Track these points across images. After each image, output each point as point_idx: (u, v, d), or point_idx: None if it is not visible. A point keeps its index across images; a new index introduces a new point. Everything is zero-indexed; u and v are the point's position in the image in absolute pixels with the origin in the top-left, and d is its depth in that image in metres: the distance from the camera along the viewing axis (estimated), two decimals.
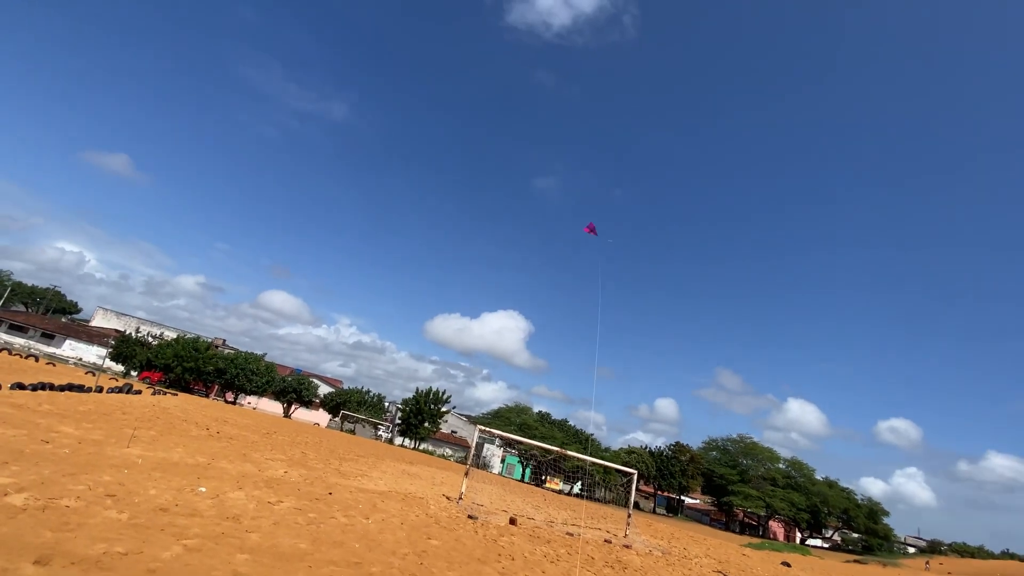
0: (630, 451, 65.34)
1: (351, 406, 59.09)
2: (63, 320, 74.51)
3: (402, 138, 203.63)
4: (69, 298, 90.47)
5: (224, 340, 79.82)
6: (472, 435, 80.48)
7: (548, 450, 20.83)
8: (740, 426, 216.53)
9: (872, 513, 65.21)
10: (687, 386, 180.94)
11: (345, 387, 69.99)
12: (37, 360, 35.38)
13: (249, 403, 60.79)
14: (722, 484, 65.85)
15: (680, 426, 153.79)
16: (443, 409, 59.76)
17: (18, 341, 56.56)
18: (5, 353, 34.21)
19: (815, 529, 67.04)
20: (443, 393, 59.31)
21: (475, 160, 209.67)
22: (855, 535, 68.73)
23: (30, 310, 79.64)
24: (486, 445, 70.11)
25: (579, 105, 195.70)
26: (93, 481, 7.16)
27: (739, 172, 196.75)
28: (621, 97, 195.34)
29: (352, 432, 58.18)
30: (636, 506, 59.19)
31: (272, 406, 61.28)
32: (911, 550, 76.10)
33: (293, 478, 11.72)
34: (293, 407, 59.24)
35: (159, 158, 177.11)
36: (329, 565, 6.35)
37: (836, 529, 69.73)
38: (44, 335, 61.43)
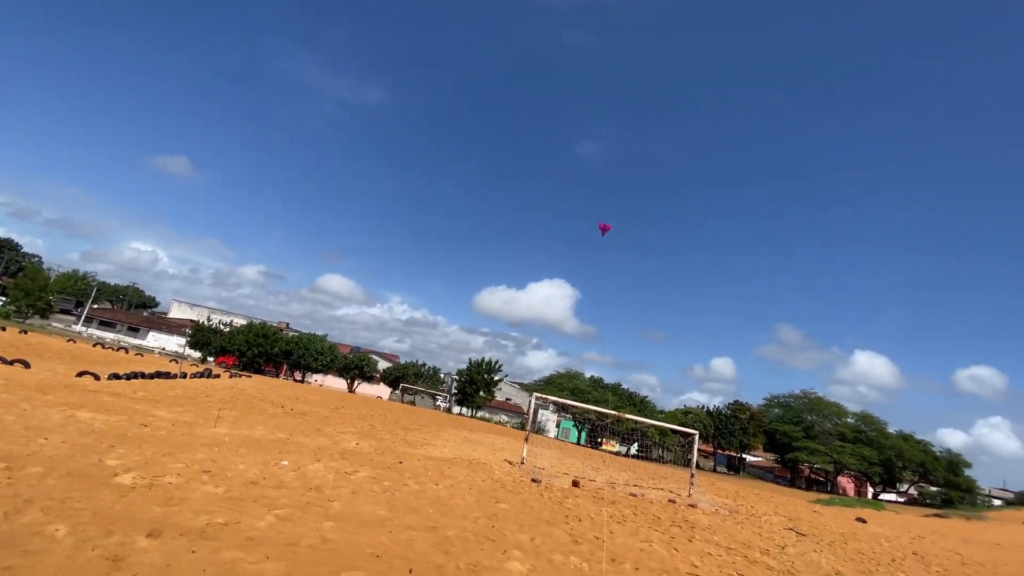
0: (687, 411, 64.61)
1: (409, 379, 61.49)
2: (145, 314, 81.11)
3: (439, 115, 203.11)
4: (148, 293, 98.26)
5: (288, 324, 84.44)
6: (526, 402, 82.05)
7: (604, 413, 20.91)
8: (803, 382, 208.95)
9: (952, 465, 61.84)
10: (745, 344, 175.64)
11: (402, 361, 72.79)
12: (127, 352, 38.83)
13: (316, 381, 64.49)
14: (786, 441, 64.18)
15: (738, 384, 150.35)
16: (496, 378, 61.12)
17: (108, 335, 62.25)
18: (99, 347, 37.75)
19: (889, 484, 64.49)
20: (495, 363, 60.56)
21: (515, 131, 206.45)
22: (933, 489, 65.63)
23: (115, 307, 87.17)
24: (541, 411, 71.46)
25: (616, 65, 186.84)
26: (189, 459, 7.80)
27: (792, 124, 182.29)
28: (659, 52, 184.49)
29: (412, 403, 60.71)
30: (696, 465, 59.01)
31: (337, 383, 64.72)
32: (997, 502, 71.91)
33: (365, 449, 12.35)
34: (356, 382, 62.35)
35: (215, 157, 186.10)
36: (407, 530, 6.67)
37: (912, 483, 66.81)
38: (130, 329, 67.22)
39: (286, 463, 8.91)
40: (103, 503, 5.38)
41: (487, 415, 63.48)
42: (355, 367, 60.62)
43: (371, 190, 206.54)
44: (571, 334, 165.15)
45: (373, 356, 67.60)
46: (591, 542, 7.94)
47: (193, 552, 4.66)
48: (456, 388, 62.37)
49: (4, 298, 57.07)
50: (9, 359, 16.65)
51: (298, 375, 59.30)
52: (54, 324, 59.84)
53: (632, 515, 10.85)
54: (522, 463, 14.79)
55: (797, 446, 62.42)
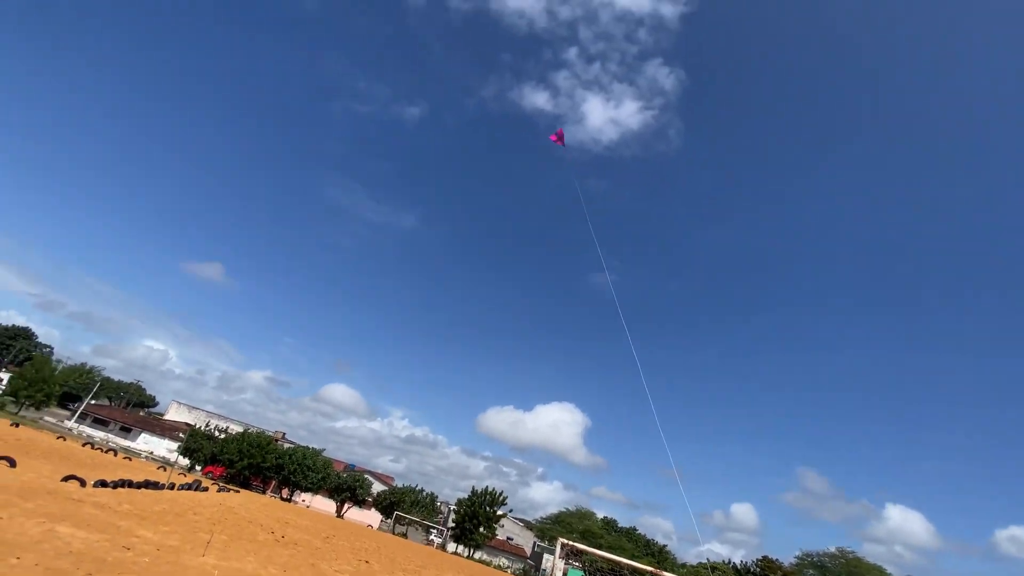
0: (712, 567, 57.35)
1: (404, 507, 56.49)
2: (141, 414, 78.56)
3: (462, 241, 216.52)
4: (149, 392, 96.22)
5: (284, 434, 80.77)
6: (529, 542, 73.97)
7: (638, 569, 18.22)
8: (833, 536, 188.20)
9: None
10: (766, 489, 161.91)
11: (397, 484, 67.64)
12: (116, 454, 36.69)
13: (303, 501, 59.54)
14: None
15: (761, 535, 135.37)
16: (499, 512, 55.80)
17: (99, 434, 59.58)
18: (88, 447, 35.78)
19: None
20: (500, 494, 55.79)
21: (532, 260, 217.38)
22: None
23: (113, 404, 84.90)
24: (545, 555, 63.90)
25: (631, 206, 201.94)
26: None
27: (807, 261, 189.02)
28: (671, 197, 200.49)
29: (404, 535, 54.97)
30: None
31: (325, 504, 59.67)
32: None
33: None
34: (346, 506, 57.34)
35: (248, 265, 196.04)
36: None
37: None
38: (122, 428, 64.54)
39: None
40: None
41: (486, 557, 56.84)
42: (348, 488, 56.15)
43: (389, 304, 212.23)
44: (579, 464, 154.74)
45: (368, 476, 63.00)
46: None
47: None
48: (454, 521, 56.83)
49: (3, 388, 56.04)
50: None
51: (286, 492, 54.94)
52: (46, 418, 57.83)
53: None
54: None
55: None
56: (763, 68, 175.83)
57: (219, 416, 78.11)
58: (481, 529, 53.37)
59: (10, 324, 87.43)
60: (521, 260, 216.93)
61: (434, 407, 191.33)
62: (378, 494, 60.20)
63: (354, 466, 77.80)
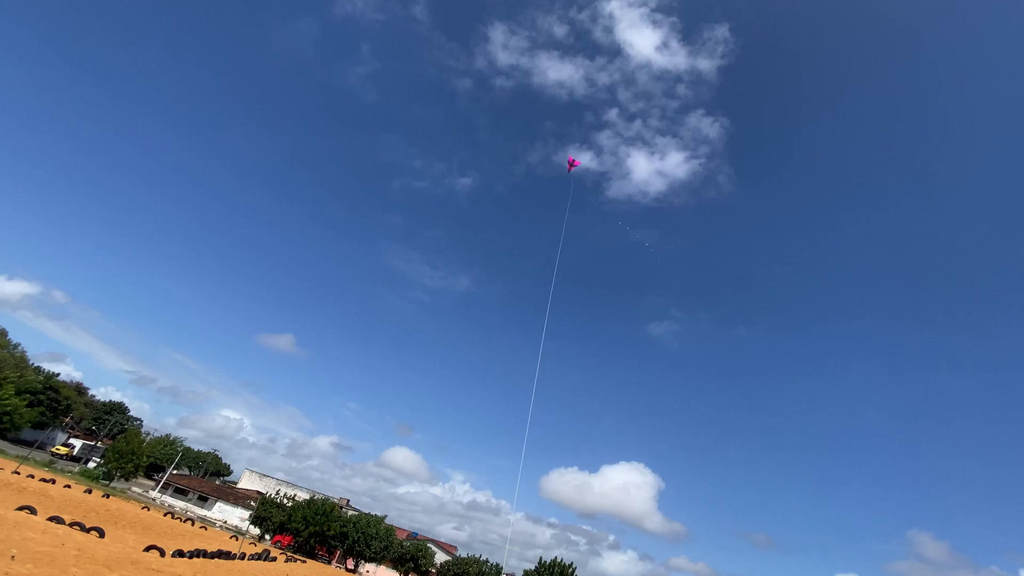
0: None
1: None
2: (216, 482, 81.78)
3: (519, 300, 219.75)
4: (224, 460, 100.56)
5: (348, 500, 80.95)
6: None
7: None
8: None
9: None
10: (873, 557, 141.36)
11: (460, 553, 65.14)
12: (193, 524, 38.13)
13: (367, 571, 58.43)
14: None
15: None
16: None
17: (179, 504, 62.37)
18: (169, 516, 37.48)
19: None
20: (570, 566, 52.26)
21: (588, 316, 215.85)
22: None
23: (192, 473, 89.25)
24: None
25: (685, 253, 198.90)
26: None
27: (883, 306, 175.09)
28: (728, 240, 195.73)
29: None
30: None
31: (389, 575, 58.17)
32: None
33: None
34: None
35: (316, 334, 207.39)
36: None
37: None
38: (200, 497, 67.27)
39: None
40: None
41: None
42: (411, 558, 54.68)
43: (447, 367, 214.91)
44: (655, 532, 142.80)
45: (430, 545, 61.23)
46: None
47: None
48: None
49: (101, 459, 60.58)
50: (88, 526, 16.64)
51: (351, 563, 54.22)
52: (134, 488, 61.45)
53: None
54: None
55: None
56: (806, 107, 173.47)
57: (288, 484, 79.87)
58: None
59: (107, 400, 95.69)
60: (576, 314, 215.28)
61: (494, 470, 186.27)
62: (441, 564, 58.13)
63: (416, 534, 76.09)
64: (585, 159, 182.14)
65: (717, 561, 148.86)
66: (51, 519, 15.58)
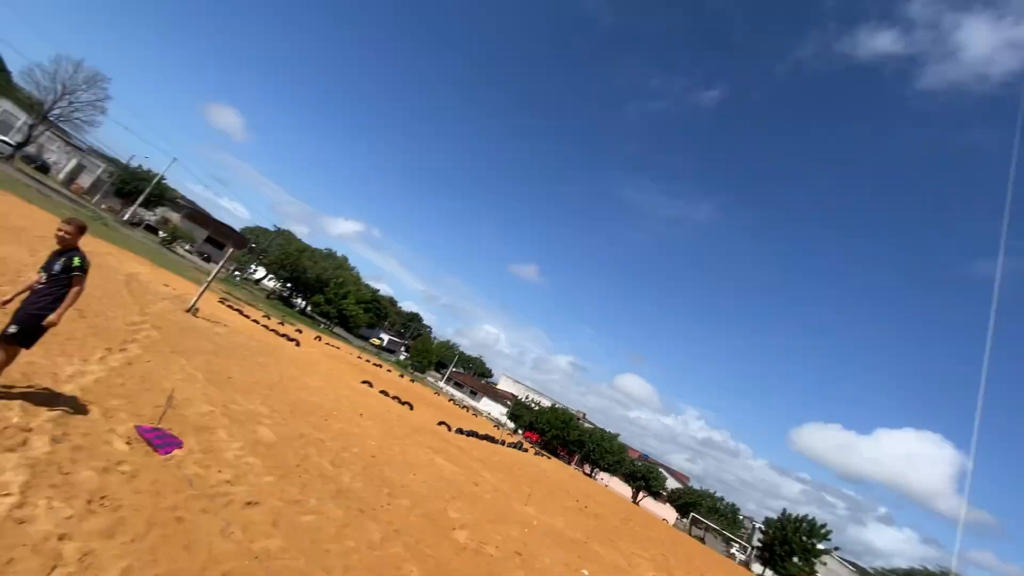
0: None
1: (701, 510, 54.06)
2: (482, 382, 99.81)
3: (769, 229, 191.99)
4: (487, 365, 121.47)
5: (584, 414, 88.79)
6: None
7: None
8: None
9: None
10: None
11: (692, 485, 65.17)
12: (467, 411, 47.88)
13: (602, 479, 64.11)
14: None
15: None
16: (820, 547, 47.04)
17: (457, 394, 78.88)
18: (451, 403, 47.91)
19: None
20: (822, 527, 46.99)
21: (889, 244, 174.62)
22: None
23: (465, 372, 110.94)
24: None
25: None
26: (506, 534, 8.15)
27: None
28: None
29: (702, 540, 52.63)
30: None
31: (620, 487, 62.68)
32: None
33: None
34: (640, 494, 58.85)
35: (557, 264, 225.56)
36: None
37: None
38: (471, 392, 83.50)
39: (586, 573, 8.34)
40: (443, 555, 5.89)
41: None
42: (642, 477, 57.52)
43: (684, 299, 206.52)
44: (948, 514, 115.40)
45: (661, 470, 62.99)
46: None
47: None
48: (760, 541, 51.00)
49: (407, 354, 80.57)
50: (403, 400, 22.54)
51: (587, 468, 60.30)
52: (429, 377, 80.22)
53: None
54: None
55: None
56: None
57: (535, 391, 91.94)
58: (795, 559, 46.20)
59: (409, 311, 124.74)
60: (848, 246, 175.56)
61: (734, 411, 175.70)
62: (672, 490, 59.52)
63: (648, 456, 79.04)
64: (886, 41, 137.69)
65: None
66: (381, 392, 21.54)
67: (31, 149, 42.50)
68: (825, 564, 52.31)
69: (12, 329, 3.99)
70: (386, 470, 8.41)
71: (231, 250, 17.77)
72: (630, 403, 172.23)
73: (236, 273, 57.28)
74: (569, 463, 57.66)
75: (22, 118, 41.97)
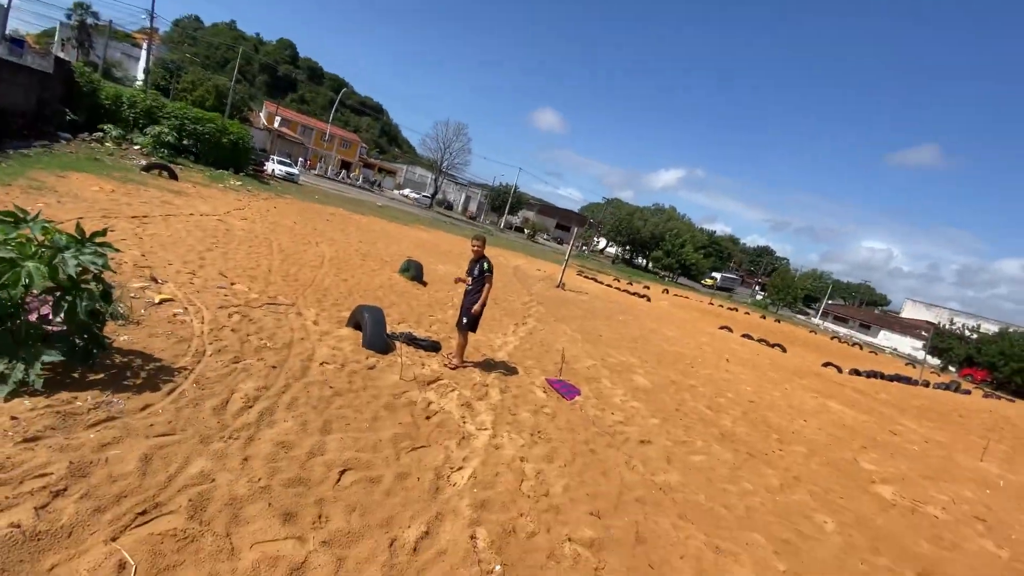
0: None
1: None
2: (876, 312, 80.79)
3: None
4: (879, 291, 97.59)
5: None
6: None
7: None
8: None
9: None
10: None
11: None
12: (860, 348, 39.73)
13: None
14: None
15: None
16: None
17: (841, 330, 66.27)
18: (835, 340, 40.73)
19: None
20: None
21: None
22: None
23: (847, 303, 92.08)
24: None
25: None
26: (954, 494, 6.37)
27: None
28: None
29: None
30: None
31: None
32: None
33: None
34: None
35: (968, 142, 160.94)
36: None
37: None
38: (861, 325, 68.73)
39: None
40: (864, 510, 5.10)
41: None
42: None
43: None
44: None
45: None
46: None
47: None
48: None
49: (764, 293, 73.32)
50: (771, 342, 20.63)
51: None
52: (798, 316, 70.61)
53: None
54: None
55: None
56: None
57: (967, 315, 67.83)
58: None
59: (754, 246, 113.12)
60: None
61: None
62: None
63: None
64: None
65: None
66: (743, 335, 20.37)
67: (439, 196, 60.06)
68: None
69: (464, 321, 5.76)
70: (769, 415, 7.92)
71: (576, 230, 20.50)
72: None
73: (584, 248, 65.30)
74: None
75: (428, 176, 60.27)
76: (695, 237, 60.79)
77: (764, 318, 40.56)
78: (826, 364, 17.89)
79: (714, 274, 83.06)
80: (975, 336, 46.86)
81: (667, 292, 37.68)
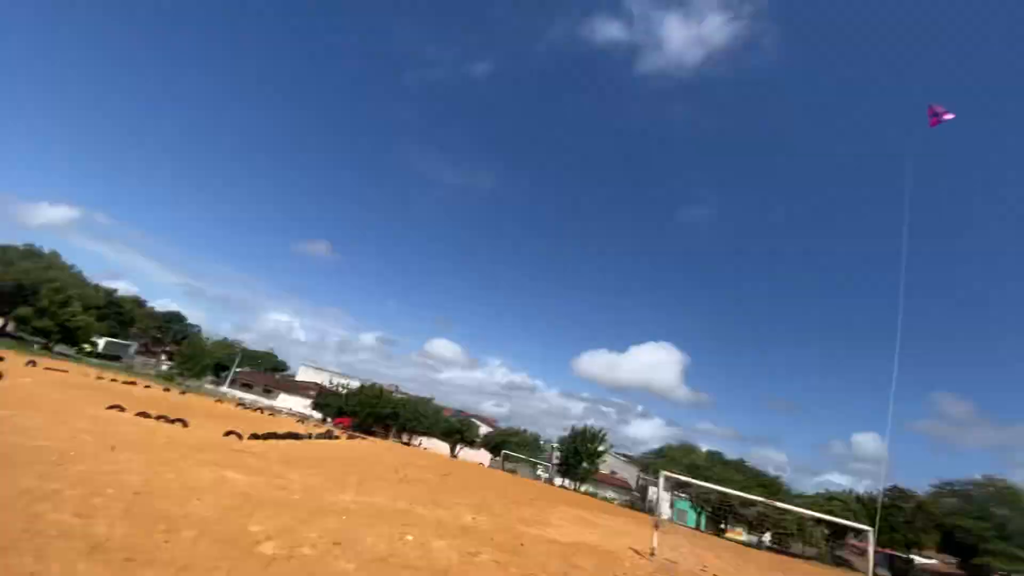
0: (830, 497, 55.00)
1: (511, 446, 60.12)
2: (277, 377, 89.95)
3: (543, 190, 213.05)
4: (280, 358, 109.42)
5: (397, 386, 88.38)
6: (632, 476, 76.06)
7: (747, 500, 18.09)
8: (976, 465, 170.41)
9: None
10: (894, 417, 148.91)
11: (501, 426, 71.86)
12: (262, 412, 42.72)
13: (420, 443, 65.63)
14: (970, 542, 51.27)
15: (889, 466, 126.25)
16: (600, 448, 57.48)
17: (248, 396, 69.50)
18: (240, 407, 42.01)
19: None
20: (600, 431, 57.28)
21: (615, 201, 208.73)
22: None
23: (254, 370, 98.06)
24: (650, 488, 65.36)
25: (720, 132, 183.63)
26: (322, 528, 7.69)
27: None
28: (770, 116, 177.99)
29: (514, 471, 58.93)
30: (849, 566, 49.10)
31: (440, 446, 65.30)
32: None
33: (483, 526, 11.62)
34: (458, 447, 62.33)
35: (350, 238, 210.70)
36: None
37: None
38: (265, 390, 74.63)
39: (410, 538, 8.49)
40: (248, 573, 5.25)
41: (592, 489, 59.35)
42: (457, 431, 60.89)
43: (478, 260, 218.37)
44: (681, 401, 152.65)
45: (474, 420, 67.62)
46: None
47: None
48: (557, 458, 59.64)
49: (171, 363, 67.00)
50: (172, 418, 18.79)
51: (404, 437, 60.81)
52: (206, 386, 68.47)
53: None
54: (652, 554, 12.99)
55: (988, 549, 49.48)
56: None
57: (341, 375, 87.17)
58: (584, 464, 55.54)
59: (165, 311, 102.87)
60: (607, 201, 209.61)
61: (529, 354, 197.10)
62: (485, 435, 64.56)
63: (460, 412, 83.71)
64: (614, 30, 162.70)
65: (741, 424, 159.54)
66: (139, 414, 17.57)
67: None
68: (605, 461, 64.15)
69: None
70: (159, 503, 6.99)
71: None
72: (440, 365, 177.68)
73: None
74: (387, 437, 57.18)
75: None
76: (85, 294, 48.40)
77: (168, 390, 36.74)
78: (228, 433, 18.01)
79: (98, 339, 68.58)
80: (345, 391, 60.49)
81: (33, 364, 27.68)
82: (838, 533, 51.92)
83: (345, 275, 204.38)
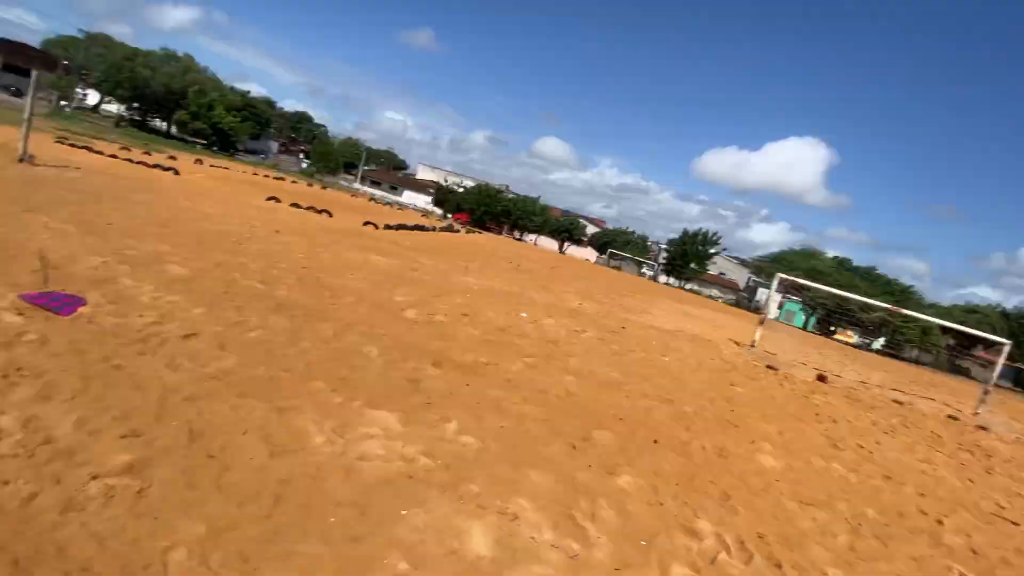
0: (970, 309, 50.73)
1: (617, 245, 61.61)
2: (400, 175, 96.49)
3: None
4: (400, 157, 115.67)
5: (508, 186, 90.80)
6: (742, 278, 75.28)
7: (870, 306, 17.33)
8: None
9: None
10: None
11: (609, 227, 72.72)
12: (391, 207, 47.36)
13: (531, 240, 69.86)
14: None
15: None
16: (711, 251, 56.60)
17: (376, 192, 76.63)
18: (372, 201, 46.85)
19: None
20: (714, 234, 55.60)
21: None
22: None
23: (378, 168, 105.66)
24: (760, 289, 64.89)
25: None
26: (450, 303, 8.98)
27: None
28: None
29: (619, 269, 61.61)
30: (967, 375, 47.54)
31: (548, 243, 69.05)
32: None
33: (587, 310, 12.74)
34: (566, 245, 65.43)
35: (456, 29, 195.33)
36: (643, 397, 6.61)
37: None
38: (391, 187, 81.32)
39: (525, 315, 9.65)
40: (398, 332, 6.49)
41: (696, 287, 60.66)
42: (565, 230, 63.11)
43: (590, 50, 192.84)
44: (815, 205, 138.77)
45: (582, 220, 68.95)
46: (854, 450, 6.85)
47: (467, 385, 5.31)
48: (664, 258, 60.37)
49: (307, 161, 74.26)
50: (319, 208, 21.62)
51: (516, 234, 64.84)
52: (341, 182, 76.16)
53: (902, 427, 9.08)
54: (752, 346, 13.56)
55: None
56: None
57: (456, 175, 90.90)
58: (692, 265, 55.86)
59: (293, 111, 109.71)
60: None
61: (645, 153, 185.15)
62: (592, 234, 66.36)
63: (569, 212, 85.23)
64: None
65: (880, 231, 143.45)
66: (292, 205, 20.40)
67: None
68: (715, 263, 63.72)
69: None
70: (322, 276, 8.53)
71: (36, 75, 13.65)
72: (550, 166, 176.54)
73: (63, 103, 46.06)
74: (500, 233, 61.40)
75: None
76: (226, 97, 52.57)
77: (311, 185, 41.54)
78: (367, 223, 20.46)
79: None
80: (461, 190, 63.68)
81: (200, 162, 32.37)
82: (965, 344, 49.36)
83: (451, 67, 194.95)
